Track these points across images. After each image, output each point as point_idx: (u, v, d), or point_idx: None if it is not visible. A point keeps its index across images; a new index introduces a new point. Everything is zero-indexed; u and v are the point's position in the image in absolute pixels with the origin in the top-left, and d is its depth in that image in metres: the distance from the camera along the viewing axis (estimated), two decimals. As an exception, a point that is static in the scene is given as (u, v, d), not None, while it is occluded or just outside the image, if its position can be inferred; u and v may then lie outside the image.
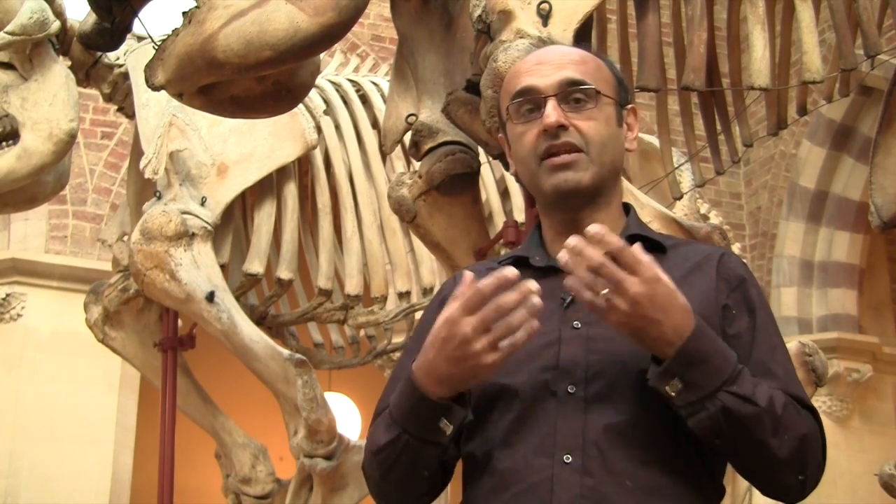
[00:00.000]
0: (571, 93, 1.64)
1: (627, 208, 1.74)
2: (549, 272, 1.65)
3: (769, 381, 1.55)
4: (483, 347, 1.44)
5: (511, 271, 1.45)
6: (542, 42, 2.60)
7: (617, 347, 1.55)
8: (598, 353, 1.56)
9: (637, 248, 1.45)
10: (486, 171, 4.25)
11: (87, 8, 3.18)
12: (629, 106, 1.73)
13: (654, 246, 1.67)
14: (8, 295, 6.83)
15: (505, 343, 1.44)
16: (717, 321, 1.59)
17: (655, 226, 2.64)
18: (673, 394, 1.46)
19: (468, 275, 1.48)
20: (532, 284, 1.44)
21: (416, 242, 4.54)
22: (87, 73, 4.38)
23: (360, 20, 2.92)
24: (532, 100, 1.65)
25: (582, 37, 2.66)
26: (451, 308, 1.46)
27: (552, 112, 1.62)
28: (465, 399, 1.53)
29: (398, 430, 1.55)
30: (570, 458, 1.51)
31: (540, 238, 1.73)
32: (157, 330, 4.59)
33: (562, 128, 1.62)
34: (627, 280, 1.43)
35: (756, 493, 1.66)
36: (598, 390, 1.53)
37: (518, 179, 1.83)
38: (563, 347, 1.57)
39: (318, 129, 4.52)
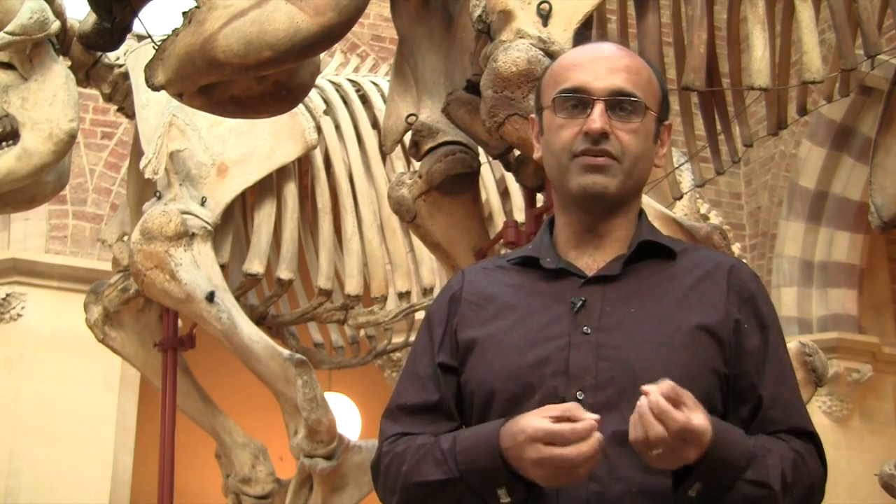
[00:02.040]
0: (620, 102, 1.63)
1: (639, 213, 1.74)
2: (560, 274, 1.65)
3: (776, 411, 1.58)
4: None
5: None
6: (542, 42, 2.59)
7: (626, 354, 1.55)
8: (607, 360, 1.55)
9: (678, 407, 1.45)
10: (486, 171, 4.25)
11: (87, 8, 3.18)
12: (666, 122, 1.72)
13: (665, 251, 1.67)
14: (8, 295, 6.83)
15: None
16: (727, 333, 1.60)
17: (655, 226, 2.64)
18: (693, 495, 1.48)
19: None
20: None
21: (416, 242, 4.54)
22: (87, 73, 4.38)
23: (360, 20, 2.92)
24: (580, 98, 1.64)
25: (582, 37, 2.66)
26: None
27: (598, 118, 1.61)
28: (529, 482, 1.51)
29: (455, 474, 1.53)
30: None
31: (551, 237, 1.72)
32: (157, 330, 4.59)
33: (604, 135, 1.61)
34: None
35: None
36: (606, 397, 1.53)
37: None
38: (573, 353, 1.56)
39: (318, 129, 4.52)
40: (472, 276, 1.74)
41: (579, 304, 1.60)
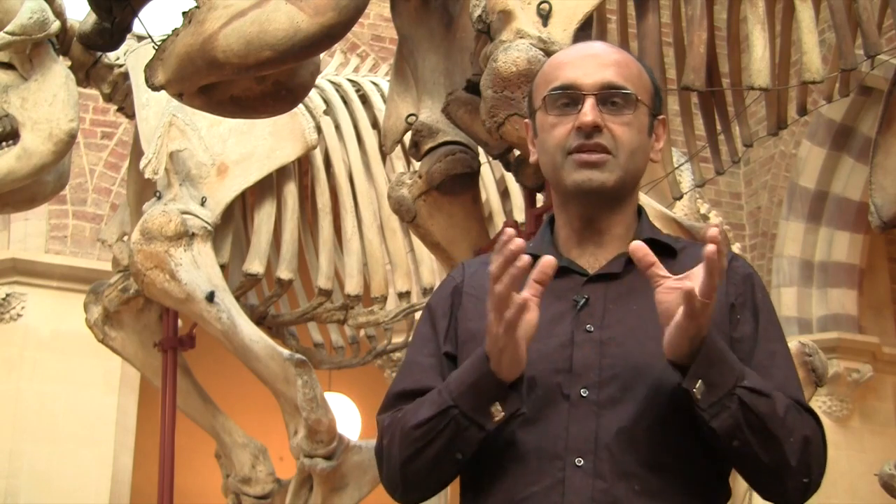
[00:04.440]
0: (611, 95, 1.63)
1: (640, 211, 1.74)
2: (562, 273, 1.63)
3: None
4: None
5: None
6: (542, 42, 2.60)
7: (629, 351, 1.55)
8: (611, 357, 1.56)
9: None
10: (486, 171, 4.25)
11: (87, 8, 3.18)
12: (660, 116, 1.72)
13: (665, 249, 1.67)
14: (8, 295, 6.83)
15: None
16: (725, 323, 1.60)
17: (655, 226, 2.64)
18: (699, 396, 1.48)
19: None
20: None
21: (416, 242, 4.54)
22: (87, 73, 4.39)
23: (360, 20, 2.93)
24: (571, 95, 1.64)
25: (581, 37, 2.66)
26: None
27: (590, 112, 1.61)
28: (521, 393, 1.52)
29: (449, 402, 1.52)
30: (582, 462, 1.51)
31: (552, 235, 1.72)
32: (157, 330, 4.59)
33: (596, 129, 1.61)
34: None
35: (756, 494, 1.66)
36: (610, 394, 1.53)
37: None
38: (576, 351, 1.56)
39: (318, 129, 4.52)
40: (472, 271, 1.74)
41: (582, 301, 1.60)
